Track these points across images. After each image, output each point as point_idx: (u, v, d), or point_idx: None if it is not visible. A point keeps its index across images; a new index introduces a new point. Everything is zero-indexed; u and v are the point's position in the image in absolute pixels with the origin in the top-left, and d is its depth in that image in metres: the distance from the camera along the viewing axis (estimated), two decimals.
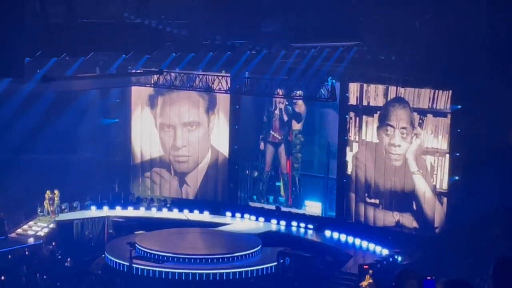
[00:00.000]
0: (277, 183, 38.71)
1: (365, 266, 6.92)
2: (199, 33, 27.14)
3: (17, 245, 33.86)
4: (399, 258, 31.41)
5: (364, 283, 6.60)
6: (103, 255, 33.22)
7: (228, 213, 38.08)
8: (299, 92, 35.03)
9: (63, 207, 37.15)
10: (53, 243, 34.20)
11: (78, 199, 37.88)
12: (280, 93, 36.03)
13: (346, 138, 35.57)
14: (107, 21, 24.19)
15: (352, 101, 35.22)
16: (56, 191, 36.39)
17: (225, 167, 39.50)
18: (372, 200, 34.99)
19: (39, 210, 36.58)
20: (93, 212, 37.66)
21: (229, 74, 36.60)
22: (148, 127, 40.41)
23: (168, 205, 39.30)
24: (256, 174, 39.31)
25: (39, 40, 21.72)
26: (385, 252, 32.43)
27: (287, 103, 37.87)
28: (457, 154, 32.41)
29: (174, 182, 40.46)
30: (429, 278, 6.46)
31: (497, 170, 29.05)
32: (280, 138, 38.32)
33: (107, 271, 31.91)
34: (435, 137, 32.94)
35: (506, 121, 29.98)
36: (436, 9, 30.37)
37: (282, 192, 38.60)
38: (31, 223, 36.24)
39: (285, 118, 38.08)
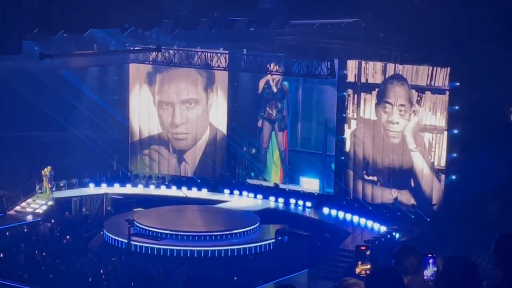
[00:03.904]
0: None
1: (362, 248, 6.78)
2: (197, 9, 26.97)
3: (16, 223, 33.89)
4: (397, 235, 31.52)
5: (358, 270, 6.55)
6: (101, 232, 33.30)
7: (226, 191, 38.14)
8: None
9: (61, 185, 37.17)
10: (52, 221, 34.23)
11: (76, 177, 37.89)
12: (279, 70, 35.97)
13: (344, 115, 35.56)
14: None
15: (350, 78, 35.17)
16: (49, 167, 36.30)
17: (224, 144, 39.52)
18: (370, 177, 35.04)
19: (37, 188, 36.60)
20: (91, 189, 37.69)
21: (227, 51, 36.50)
22: (147, 105, 40.36)
23: (166, 183, 39.34)
24: (254, 151, 39.32)
25: (36, 17, 21.61)
26: (383, 229, 32.55)
27: (283, 80, 37.82)
28: (455, 131, 32.42)
29: (173, 160, 40.48)
30: (430, 255, 6.48)
31: (495, 147, 29.09)
32: (275, 115, 38.31)
33: (105, 248, 31.98)
34: (433, 114, 32.92)
35: (505, 98, 29.97)
36: None
37: (279, 168, 38.60)
38: (29, 200, 36.27)
39: (280, 93, 38.10)
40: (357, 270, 6.99)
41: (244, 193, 37.88)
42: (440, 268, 6.33)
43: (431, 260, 6.46)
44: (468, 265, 6.01)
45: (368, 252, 7.10)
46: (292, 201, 36.37)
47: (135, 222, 32.08)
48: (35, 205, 35.91)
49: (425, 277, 6.46)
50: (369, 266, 7.02)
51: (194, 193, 38.07)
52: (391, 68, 33.93)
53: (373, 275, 6.20)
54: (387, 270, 6.16)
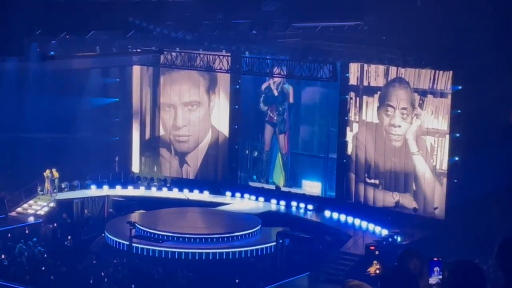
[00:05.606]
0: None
1: (371, 247, 6.79)
2: (200, 12, 27.00)
3: (17, 224, 33.88)
4: (399, 239, 31.48)
5: (372, 269, 6.48)
6: (103, 234, 33.28)
7: (228, 193, 38.10)
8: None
9: (63, 186, 37.14)
10: (55, 224, 34.12)
11: (78, 178, 37.87)
12: (281, 72, 35.95)
13: (346, 118, 35.54)
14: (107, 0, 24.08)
15: (353, 81, 35.16)
16: (54, 170, 36.26)
17: (225, 147, 39.48)
18: (372, 181, 35.01)
19: (39, 189, 36.57)
20: (93, 191, 37.68)
21: (229, 54, 36.49)
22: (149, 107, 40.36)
23: (168, 185, 39.30)
24: (256, 153, 39.30)
25: (38, 19, 21.65)
26: (385, 232, 32.50)
27: (284, 82, 37.81)
28: (457, 135, 32.39)
29: (175, 162, 40.45)
30: (435, 259, 6.44)
31: (497, 150, 29.06)
32: (276, 118, 38.31)
33: (107, 250, 31.97)
34: (435, 118, 32.90)
35: (507, 102, 29.94)
36: None
37: (282, 172, 38.57)
38: (31, 202, 36.24)
39: (280, 96, 38.11)
40: (371, 269, 6.91)
41: (246, 195, 37.84)
42: (445, 272, 6.29)
43: (436, 268, 6.42)
44: (474, 270, 5.98)
45: (377, 252, 7.08)
46: (294, 204, 36.32)
47: (136, 224, 32.04)
48: (37, 207, 35.90)
49: (430, 282, 6.43)
50: (379, 266, 6.97)
51: (195, 195, 38.01)
52: (393, 71, 33.91)
53: (388, 273, 6.13)
54: (401, 268, 6.13)
